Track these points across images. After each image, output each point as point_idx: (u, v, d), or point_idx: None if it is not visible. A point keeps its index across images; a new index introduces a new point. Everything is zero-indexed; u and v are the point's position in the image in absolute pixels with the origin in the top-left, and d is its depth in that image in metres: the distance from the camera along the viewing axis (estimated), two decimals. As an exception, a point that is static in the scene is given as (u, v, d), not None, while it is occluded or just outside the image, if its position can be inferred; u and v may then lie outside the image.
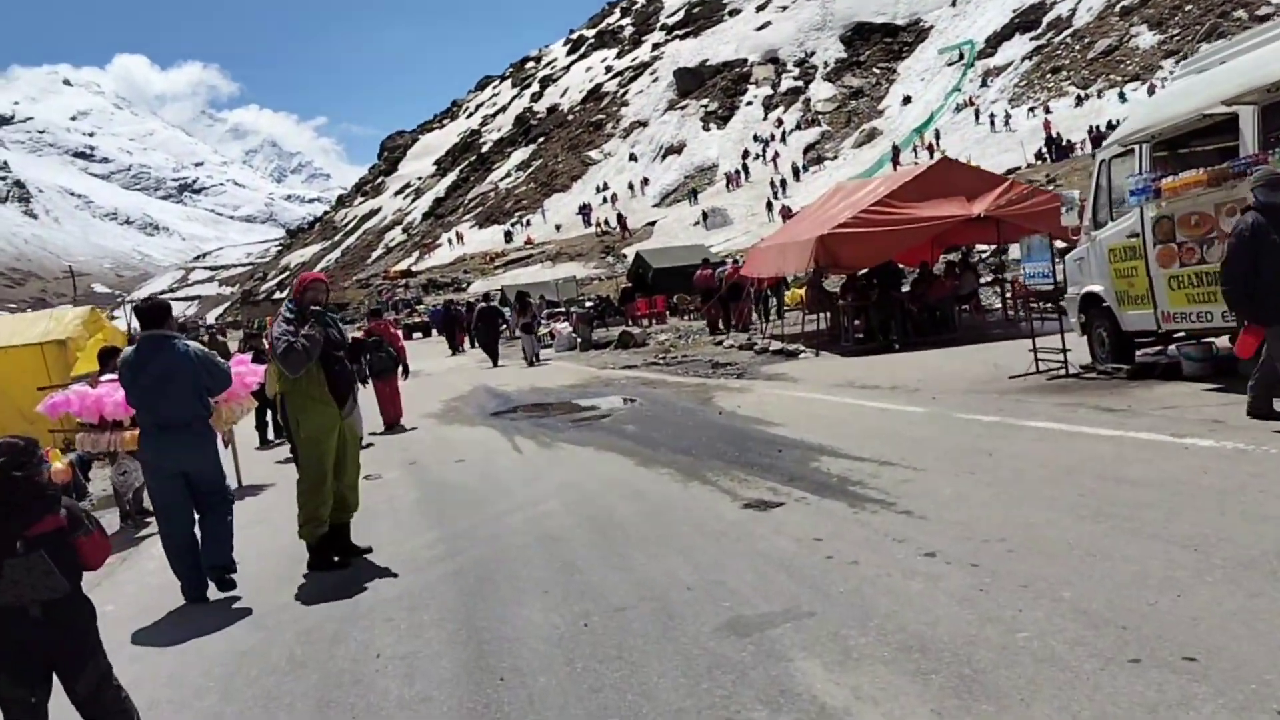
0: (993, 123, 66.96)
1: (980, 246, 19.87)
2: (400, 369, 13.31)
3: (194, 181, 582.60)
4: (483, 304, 25.20)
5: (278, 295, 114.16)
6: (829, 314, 18.60)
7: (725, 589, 4.37)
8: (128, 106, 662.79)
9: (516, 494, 7.30)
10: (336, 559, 5.92)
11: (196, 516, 5.74)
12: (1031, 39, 79.99)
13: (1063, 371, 9.25)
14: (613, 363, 19.22)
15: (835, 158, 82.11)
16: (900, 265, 16.49)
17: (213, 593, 5.62)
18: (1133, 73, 64.96)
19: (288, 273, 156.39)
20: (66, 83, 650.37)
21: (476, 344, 24.75)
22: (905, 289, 16.86)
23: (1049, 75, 72.32)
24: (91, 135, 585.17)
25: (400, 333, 16.38)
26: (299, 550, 5.92)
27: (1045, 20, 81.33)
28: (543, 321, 27.59)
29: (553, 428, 10.95)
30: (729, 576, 4.55)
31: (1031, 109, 66.50)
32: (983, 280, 17.47)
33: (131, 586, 6.16)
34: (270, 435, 13.23)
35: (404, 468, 9.37)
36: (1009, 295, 16.47)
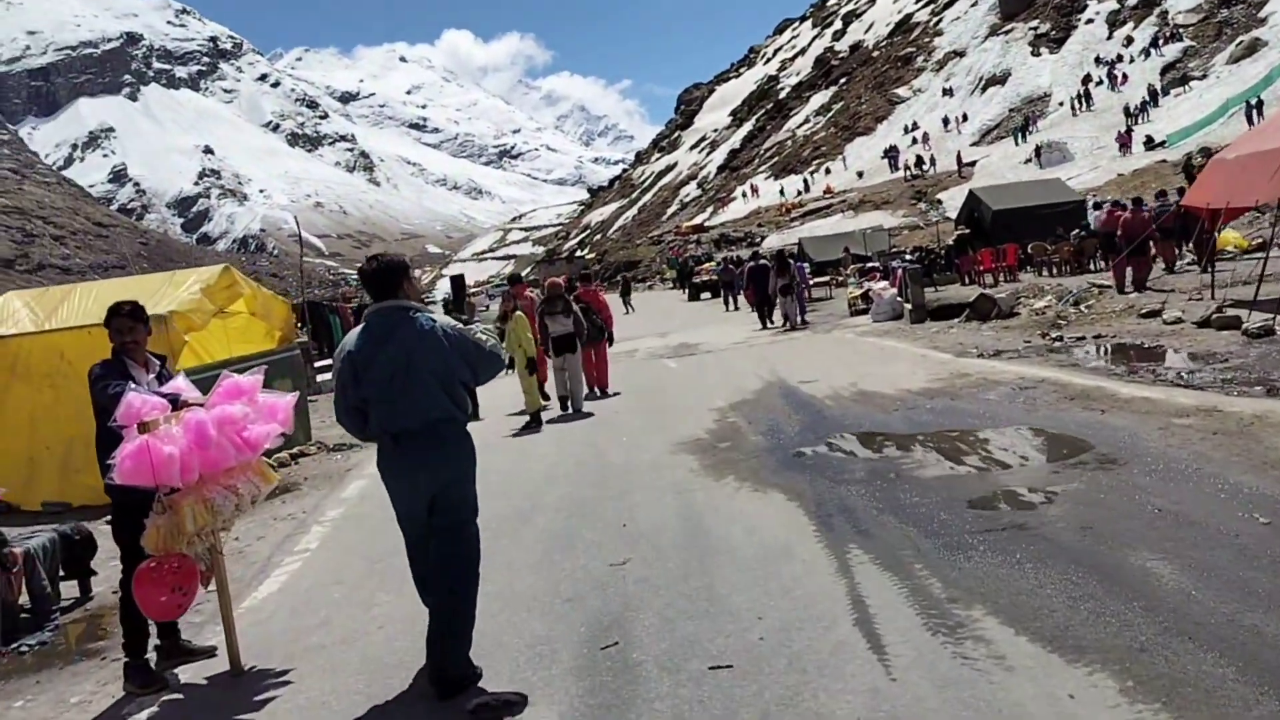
0: None
1: None
2: (607, 337, 13.15)
3: (512, 148, 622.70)
4: (752, 263, 23.17)
5: (578, 253, 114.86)
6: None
7: None
8: (454, 79, 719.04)
9: None
10: None
11: None
12: None
13: None
14: (973, 344, 12.71)
15: (1204, 76, 68.02)
16: None
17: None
18: None
19: (588, 231, 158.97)
20: (402, 59, 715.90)
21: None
22: None
23: None
24: (424, 107, 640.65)
25: (607, 299, 14.81)
26: None
27: None
28: (804, 284, 24.76)
29: (930, 529, 4.99)
30: None
31: None
32: None
33: None
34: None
35: (587, 655, 3.84)
36: None
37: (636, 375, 14.52)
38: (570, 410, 11.59)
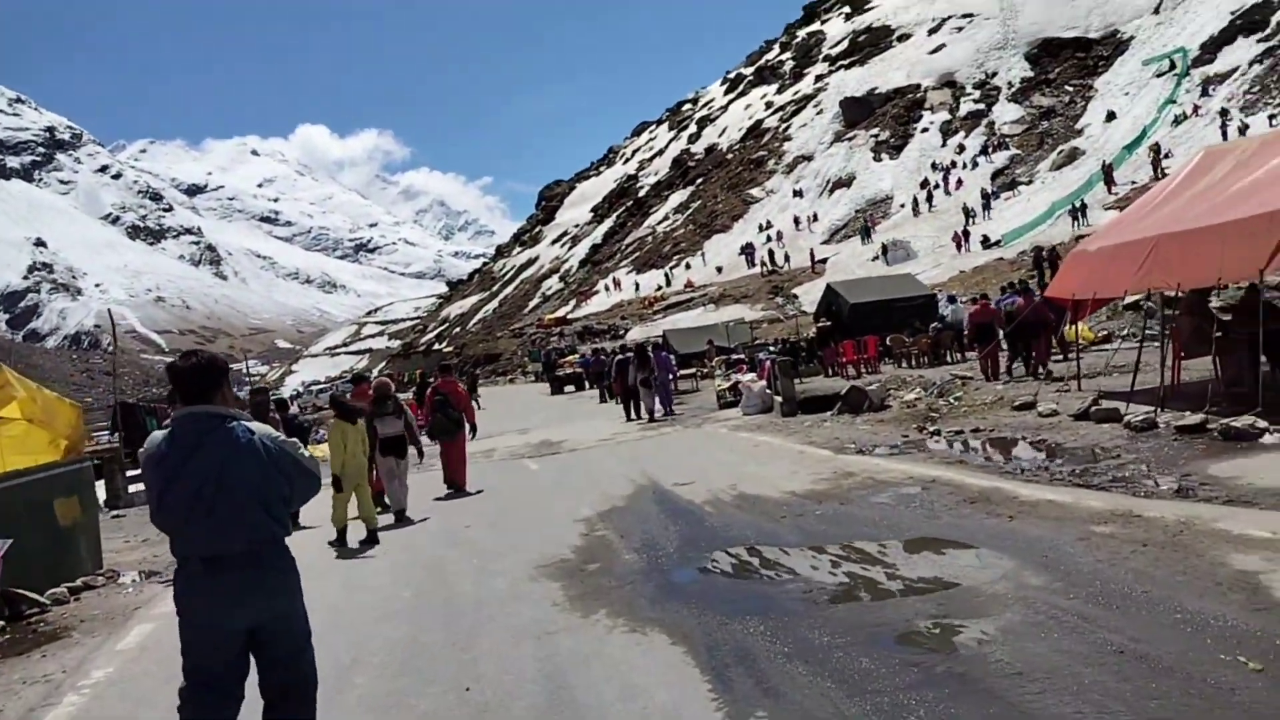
0: (1225, 133, 56.72)
1: None
2: (469, 429, 12.53)
3: (369, 241, 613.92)
4: (619, 355, 23.26)
5: (436, 346, 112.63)
6: (1219, 357, 11.02)
7: None
8: (309, 173, 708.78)
9: None
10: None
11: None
12: (1259, 41, 69.29)
13: None
14: (850, 439, 12.07)
15: (1030, 182, 73.05)
16: None
17: None
18: None
19: (447, 324, 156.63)
20: (254, 153, 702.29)
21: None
22: None
23: (1289, 77, 61.52)
24: (276, 200, 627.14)
25: (466, 390, 13.61)
26: None
27: (1275, 19, 70.39)
28: (672, 376, 24.05)
29: (852, 682, 4.02)
30: None
31: (1273, 116, 56.14)
32: None
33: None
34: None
35: None
36: None
37: (493, 479, 13.27)
38: (398, 518, 10.55)
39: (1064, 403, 11.65)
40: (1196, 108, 64.83)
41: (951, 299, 25.23)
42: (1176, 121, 65.94)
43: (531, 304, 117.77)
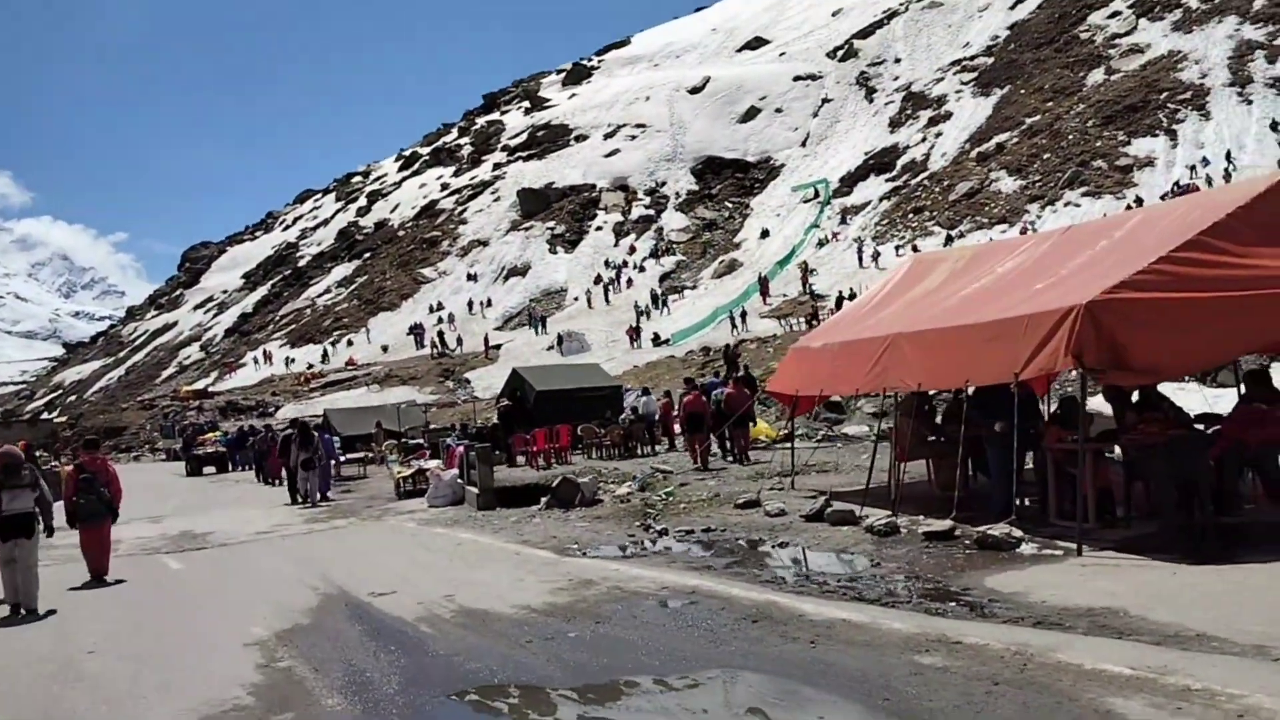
0: (860, 259, 63.91)
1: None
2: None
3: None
4: (288, 431, 22.54)
5: (45, 416, 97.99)
6: (932, 460, 11.13)
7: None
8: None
9: None
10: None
11: None
12: (887, 180, 79.42)
13: None
14: (570, 539, 10.74)
15: (695, 287, 77.65)
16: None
17: None
18: (999, 215, 63.74)
19: (60, 391, 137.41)
20: None
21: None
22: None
23: (911, 215, 70.80)
24: None
25: (117, 470, 11.50)
26: None
27: (899, 163, 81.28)
28: (336, 459, 24.39)
29: None
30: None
31: (899, 247, 64.10)
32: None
33: None
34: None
35: None
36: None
37: (123, 583, 10.43)
38: (22, 613, 8.63)
39: (789, 502, 11.16)
40: (836, 234, 72.30)
41: (645, 391, 25.11)
42: (820, 244, 73.04)
43: (166, 373, 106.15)
